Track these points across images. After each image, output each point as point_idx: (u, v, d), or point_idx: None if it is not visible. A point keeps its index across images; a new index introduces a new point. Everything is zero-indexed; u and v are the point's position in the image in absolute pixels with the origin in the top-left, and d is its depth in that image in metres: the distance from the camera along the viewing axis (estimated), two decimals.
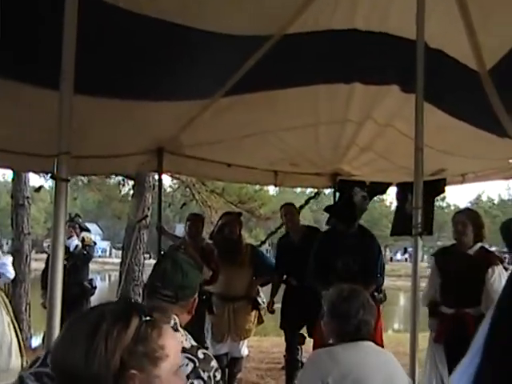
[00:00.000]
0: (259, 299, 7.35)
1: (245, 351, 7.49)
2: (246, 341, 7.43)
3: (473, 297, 5.55)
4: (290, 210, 7.61)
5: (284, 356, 7.79)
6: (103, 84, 4.22)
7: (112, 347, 1.48)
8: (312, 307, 6.56)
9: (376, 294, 6.37)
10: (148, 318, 1.56)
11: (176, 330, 2.49)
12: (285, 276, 7.53)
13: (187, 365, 2.35)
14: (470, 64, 4.45)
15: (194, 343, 2.51)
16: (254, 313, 7.34)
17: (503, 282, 4.31)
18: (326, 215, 7.47)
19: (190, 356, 2.39)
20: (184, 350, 2.40)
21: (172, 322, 2.51)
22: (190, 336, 2.53)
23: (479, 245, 5.79)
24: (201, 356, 2.41)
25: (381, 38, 4.29)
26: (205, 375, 2.37)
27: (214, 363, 2.45)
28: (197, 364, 2.37)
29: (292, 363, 7.37)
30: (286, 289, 7.58)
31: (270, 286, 7.62)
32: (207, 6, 3.69)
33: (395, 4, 4.02)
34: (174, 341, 1.62)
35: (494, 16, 3.98)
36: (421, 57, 3.76)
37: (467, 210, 6.66)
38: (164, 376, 1.55)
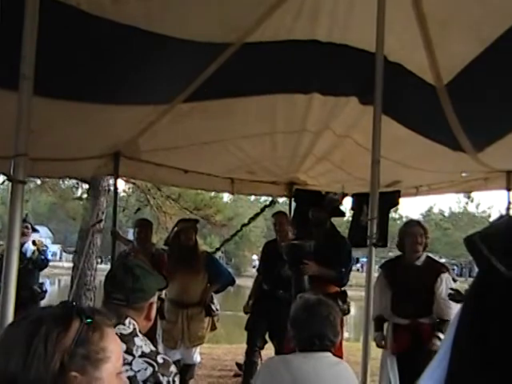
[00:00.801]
0: (213, 306, 7.34)
1: (197, 358, 7.47)
2: (198, 348, 7.41)
3: (426, 306, 5.67)
4: (281, 219, 7.63)
5: (236, 363, 7.75)
6: (62, 86, 4.17)
7: (51, 350, 1.46)
8: (281, 315, 6.63)
9: (341, 303, 6.39)
10: (89, 321, 1.54)
11: (135, 335, 2.49)
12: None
13: (146, 369, 2.36)
14: (427, 78, 4.53)
15: (154, 348, 2.51)
16: (207, 319, 7.33)
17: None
18: None
19: (149, 360, 2.39)
20: (143, 355, 2.40)
21: (131, 327, 2.50)
22: (149, 341, 2.52)
23: (425, 255, 5.91)
24: (160, 361, 2.42)
25: (341, 50, 4.33)
26: (164, 380, 2.38)
27: (173, 368, 2.46)
28: (156, 368, 2.37)
29: (250, 365, 7.36)
30: (258, 292, 7.61)
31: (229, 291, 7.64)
32: (170, 12, 3.69)
33: (356, 17, 4.07)
34: (116, 343, 1.61)
35: (452, 33, 4.06)
36: (380, 69, 3.80)
37: (417, 222, 6.73)
38: (106, 378, 1.54)
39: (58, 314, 1.55)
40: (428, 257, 5.99)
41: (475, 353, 0.75)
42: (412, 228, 5.96)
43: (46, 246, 9.16)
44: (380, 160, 3.93)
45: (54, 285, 42.34)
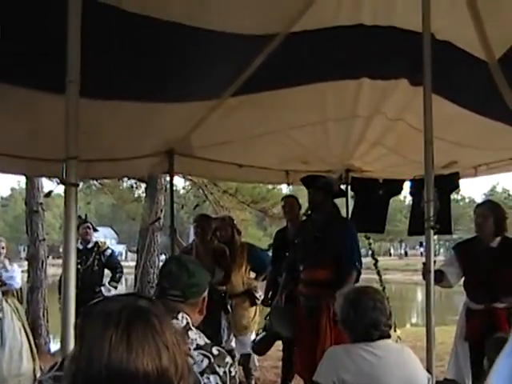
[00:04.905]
0: (257, 295, 7.48)
1: None
2: (251, 337, 7.43)
3: (502, 290, 5.39)
4: (290, 202, 7.51)
5: None
6: (110, 87, 4.23)
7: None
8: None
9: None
10: None
11: (189, 329, 2.52)
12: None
13: (202, 361, 2.39)
14: (478, 54, 4.43)
15: (208, 341, 2.53)
16: (253, 309, 7.42)
17: None
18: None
19: (204, 352, 2.42)
20: (199, 347, 2.43)
21: (185, 322, 2.53)
22: (203, 334, 2.55)
23: (500, 237, 5.59)
24: (215, 352, 2.45)
25: (387, 32, 4.27)
26: (220, 370, 2.41)
27: (228, 359, 2.49)
28: (212, 360, 2.41)
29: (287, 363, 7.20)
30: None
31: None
32: (212, 6, 3.69)
33: None
34: None
35: (501, 6, 3.96)
36: (427, 49, 3.74)
37: (488, 201, 6.40)
38: None
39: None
40: (504, 238, 5.63)
41: None
42: (476, 209, 5.76)
43: (109, 248, 9.24)
44: (433, 141, 3.87)
45: (122, 284, 42.92)
